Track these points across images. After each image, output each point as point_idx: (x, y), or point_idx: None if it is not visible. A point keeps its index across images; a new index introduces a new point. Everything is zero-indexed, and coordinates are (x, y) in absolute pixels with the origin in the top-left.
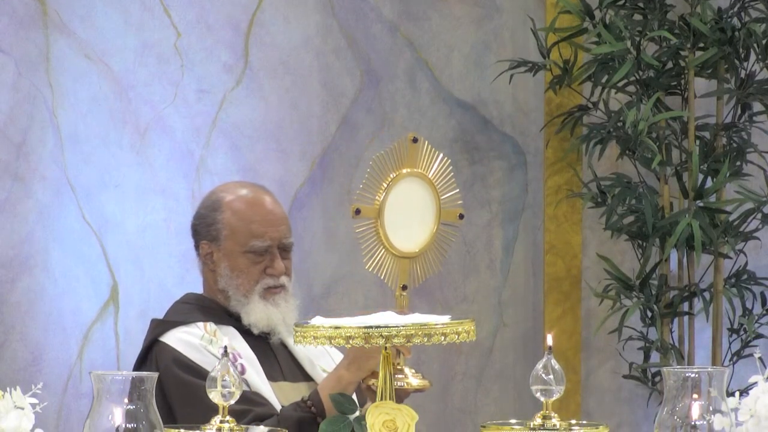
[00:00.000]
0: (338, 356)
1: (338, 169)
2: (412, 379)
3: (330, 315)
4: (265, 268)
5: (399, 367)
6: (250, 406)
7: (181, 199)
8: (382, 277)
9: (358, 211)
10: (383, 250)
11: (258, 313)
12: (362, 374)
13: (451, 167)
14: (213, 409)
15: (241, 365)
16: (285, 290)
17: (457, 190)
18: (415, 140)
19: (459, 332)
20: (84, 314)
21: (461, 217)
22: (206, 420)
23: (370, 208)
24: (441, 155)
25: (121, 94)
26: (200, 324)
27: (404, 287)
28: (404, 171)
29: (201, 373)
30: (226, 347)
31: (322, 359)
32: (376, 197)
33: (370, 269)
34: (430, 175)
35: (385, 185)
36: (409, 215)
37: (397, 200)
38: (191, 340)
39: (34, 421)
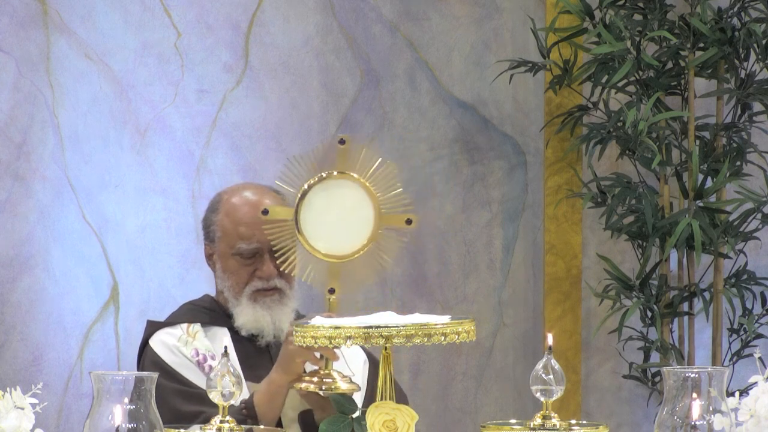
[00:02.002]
0: (349, 358)
1: None
2: (341, 383)
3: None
4: (255, 271)
5: (326, 371)
6: (203, 408)
7: (181, 199)
8: (303, 279)
9: (265, 212)
10: (304, 252)
11: (246, 315)
12: (288, 377)
13: (395, 171)
14: (175, 412)
15: (209, 366)
16: (280, 293)
17: (405, 194)
18: (342, 142)
19: (459, 332)
20: (84, 314)
21: (409, 222)
22: (170, 420)
23: (283, 209)
24: (380, 158)
25: (121, 94)
26: (183, 325)
27: (331, 290)
28: (334, 173)
29: (171, 374)
30: (226, 347)
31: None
32: (292, 199)
33: (287, 271)
34: (360, 177)
35: (306, 186)
36: (339, 218)
37: (322, 203)
38: (168, 341)
39: (34, 421)
